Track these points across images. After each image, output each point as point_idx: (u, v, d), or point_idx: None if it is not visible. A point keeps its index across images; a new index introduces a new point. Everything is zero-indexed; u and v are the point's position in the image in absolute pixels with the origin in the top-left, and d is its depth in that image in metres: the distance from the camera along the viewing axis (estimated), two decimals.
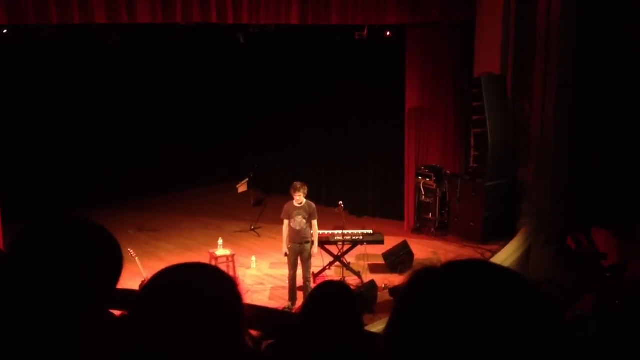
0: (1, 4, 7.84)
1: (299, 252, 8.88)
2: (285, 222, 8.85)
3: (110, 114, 13.24)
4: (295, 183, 8.87)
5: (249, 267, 10.35)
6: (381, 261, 10.25)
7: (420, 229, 12.05)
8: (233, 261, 9.87)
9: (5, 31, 9.55)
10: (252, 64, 14.53)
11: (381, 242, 10.13)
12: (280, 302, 9.12)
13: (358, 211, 12.88)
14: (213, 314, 1.35)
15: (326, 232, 10.01)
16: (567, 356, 0.98)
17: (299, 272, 9.00)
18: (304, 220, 8.77)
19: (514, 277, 1.03)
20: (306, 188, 8.82)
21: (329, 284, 2.99)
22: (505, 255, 10.21)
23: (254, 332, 3.16)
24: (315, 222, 8.90)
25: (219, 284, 1.43)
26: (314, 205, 8.92)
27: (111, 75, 13.06)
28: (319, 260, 9.79)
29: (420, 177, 11.91)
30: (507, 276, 1.03)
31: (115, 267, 1.69)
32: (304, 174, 13.95)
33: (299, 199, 8.74)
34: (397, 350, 1.01)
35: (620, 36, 10.46)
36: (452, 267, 1.05)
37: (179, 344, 1.30)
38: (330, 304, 2.59)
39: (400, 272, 9.92)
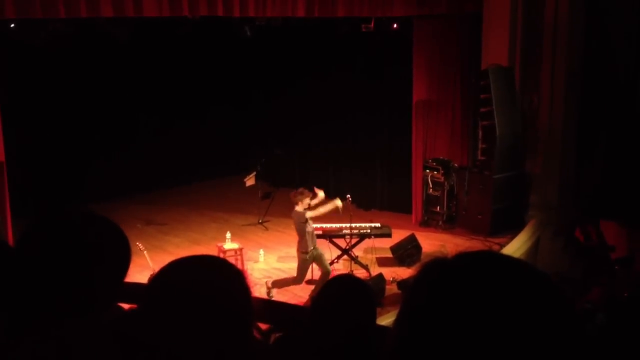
0: None
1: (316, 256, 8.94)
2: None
3: (118, 108, 13.26)
4: (303, 189, 8.90)
5: (257, 261, 10.36)
6: (389, 254, 10.24)
7: (428, 222, 12.04)
8: (241, 255, 9.90)
9: (12, 25, 9.57)
10: (259, 57, 14.52)
11: (389, 236, 10.13)
12: (288, 295, 9.13)
13: (366, 204, 12.88)
14: (222, 306, 1.35)
15: (334, 225, 10.02)
16: (579, 347, 0.97)
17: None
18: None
19: (526, 268, 1.02)
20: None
21: (342, 277, 2.98)
22: (514, 248, 10.19)
23: (262, 325, 3.17)
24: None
25: (227, 276, 1.43)
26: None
27: (118, 70, 13.07)
28: (327, 253, 9.79)
29: (427, 170, 11.89)
30: (519, 267, 1.02)
31: (123, 260, 1.69)
32: (311, 167, 13.98)
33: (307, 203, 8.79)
34: (408, 341, 1.01)
35: (629, 27, 10.39)
36: (464, 258, 1.04)
37: (188, 336, 1.30)
38: (344, 297, 2.58)
39: (408, 266, 9.92)
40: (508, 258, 1.04)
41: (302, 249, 8.82)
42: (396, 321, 1.05)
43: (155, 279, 1.41)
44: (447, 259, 1.05)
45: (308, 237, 8.75)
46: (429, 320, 0.98)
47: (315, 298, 2.68)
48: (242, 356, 1.39)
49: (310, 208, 8.71)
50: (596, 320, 5.99)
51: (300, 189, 8.89)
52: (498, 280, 0.99)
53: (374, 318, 2.68)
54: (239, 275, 1.44)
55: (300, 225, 8.72)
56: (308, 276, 9.48)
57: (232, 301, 1.38)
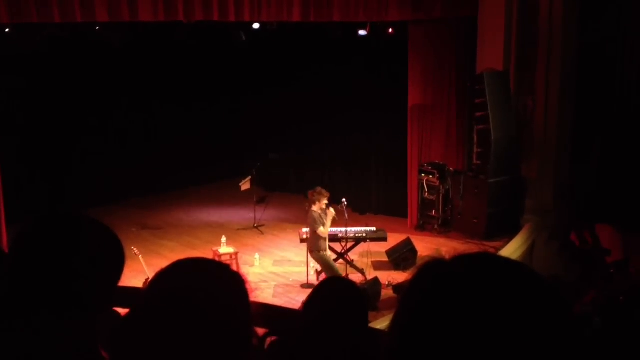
0: (3, 3, 7.85)
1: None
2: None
3: (113, 113, 13.24)
4: (321, 189, 8.96)
5: (252, 265, 10.35)
6: (384, 258, 10.24)
7: (423, 226, 12.04)
8: (236, 259, 9.88)
9: (7, 30, 9.55)
10: (254, 61, 14.52)
11: (384, 239, 10.13)
12: (284, 299, 9.12)
13: (361, 208, 12.87)
14: (220, 311, 1.34)
15: (329, 229, 10.01)
16: (576, 349, 0.97)
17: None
18: None
19: (524, 270, 1.01)
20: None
21: (334, 280, 2.97)
22: (509, 252, 10.19)
23: (257, 329, 3.16)
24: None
25: (227, 280, 1.41)
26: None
27: (113, 74, 13.05)
28: None
29: (423, 174, 11.90)
30: (516, 269, 1.01)
31: (117, 264, 1.68)
32: (306, 172, 13.98)
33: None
34: (404, 344, 0.99)
35: (624, 31, 10.43)
36: (461, 260, 1.03)
37: (186, 342, 1.29)
38: (335, 300, 2.57)
39: (404, 269, 9.92)
40: (505, 260, 1.03)
41: (314, 248, 8.89)
42: (392, 323, 1.04)
43: (154, 282, 1.40)
44: (444, 260, 1.04)
45: (322, 239, 8.90)
46: (425, 322, 0.97)
47: (306, 301, 2.66)
48: None
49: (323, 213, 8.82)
50: (592, 324, 5.98)
51: (319, 189, 8.95)
52: (495, 282, 0.98)
53: (366, 320, 2.67)
54: (238, 280, 1.43)
55: (314, 226, 8.85)
56: (303, 280, 9.48)
57: (231, 305, 1.37)
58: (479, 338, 0.93)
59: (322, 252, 8.93)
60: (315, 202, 8.82)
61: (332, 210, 8.92)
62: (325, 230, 8.88)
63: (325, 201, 8.85)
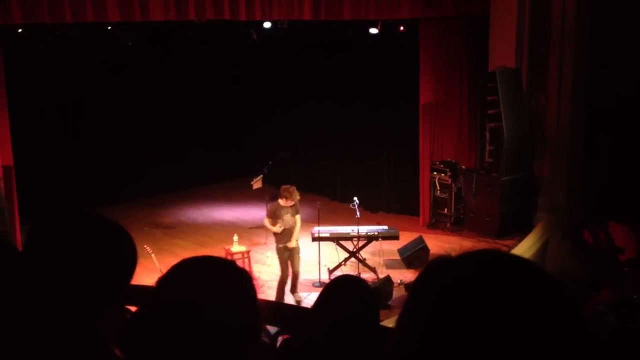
0: (16, 3, 7.91)
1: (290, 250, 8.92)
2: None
3: (125, 111, 13.29)
4: (289, 187, 8.86)
5: (264, 263, 10.36)
6: (397, 257, 10.22)
7: (435, 224, 12.01)
8: (248, 257, 9.91)
9: (20, 30, 9.61)
10: (265, 60, 14.52)
11: (396, 238, 10.11)
12: (291, 297, 9.12)
13: (373, 207, 12.85)
14: (227, 307, 1.34)
15: (341, 228, 10.01)
16: (586, 349, 0.96)
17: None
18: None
19: (532, 268, 1.00)
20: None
21: (345, 278, 2.95)
22: (522, 250, 10.14)
23: (269, 328, 3.16)
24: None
25: (234, 278, 1.42)
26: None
27: (124, 73, 13.10)
28: (334, 256, 9.79)
29: (435, 172, 11.87)
30: (525, 266, 1.00)
31: (129, 262, 1.69)
32: (317, 170, 13.97)
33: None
34: (409, 342, 0.99)
35: (637, 27, 10.34)
36: (469, 257, 1.02)
37: (193, 340, 1.30)
38: (346, 298, 2.56)
39: (416, 268, 9.89)
40: (513, 257, 1.02)
41: (275, 239, 8.92)
42: (397, 322, 1.03)
43: (163, 279, 1.41)
44: (452, 257, 1.03)
45: (276, 233, 8.83)
46: (432, 320, 0.96)
47: (317, 299, 2.65)
48: None
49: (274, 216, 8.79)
50: (607, 323, 5.95)
51: (292, 189, 8.84)
52: (503, 279, 0.97)
53: (377, 319, 2.66)
54: (245, 277, 1.43)
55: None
56: (315, 278, 9.47)
57: (239, 302, 1.37)
58: (486, 337, 0.92)
59: (279, 245, 8.84)
60: (283, 197, 8.78)
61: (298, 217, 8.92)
62: (270, 225, 8.77)
63: (291, 202, 8.74)
